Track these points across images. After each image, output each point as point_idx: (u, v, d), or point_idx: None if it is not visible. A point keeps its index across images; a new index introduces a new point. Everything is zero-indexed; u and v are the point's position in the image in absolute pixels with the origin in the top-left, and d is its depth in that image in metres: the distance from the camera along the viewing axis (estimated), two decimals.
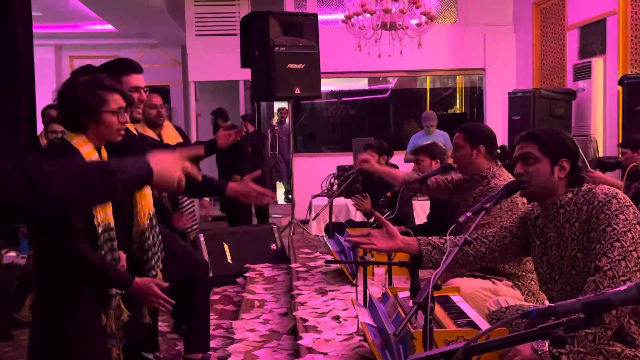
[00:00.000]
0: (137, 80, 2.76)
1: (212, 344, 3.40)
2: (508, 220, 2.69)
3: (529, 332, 1.14)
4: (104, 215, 2.32)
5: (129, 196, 2.48)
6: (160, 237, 2.75)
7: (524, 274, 2.90)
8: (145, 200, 2.61)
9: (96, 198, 1.45)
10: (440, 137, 6.95)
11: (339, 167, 6.61)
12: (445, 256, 1.90)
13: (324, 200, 5.45)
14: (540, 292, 2.92)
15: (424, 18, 6.51)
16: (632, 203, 1.98)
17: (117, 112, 2.29)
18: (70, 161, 1.40)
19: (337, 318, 3.09)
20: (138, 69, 2.78)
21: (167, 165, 1.52)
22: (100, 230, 2.29)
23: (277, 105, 10.28)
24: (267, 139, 9.43)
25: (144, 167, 1.48)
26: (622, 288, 1.17)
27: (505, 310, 2.31)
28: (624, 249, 1.88)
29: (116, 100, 2.29)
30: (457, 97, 10.35)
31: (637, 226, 1.92)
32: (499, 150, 3.10)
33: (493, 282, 2.88)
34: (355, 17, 6.60)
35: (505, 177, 2.99)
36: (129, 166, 1.45)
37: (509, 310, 2.30)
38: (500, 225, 2.40)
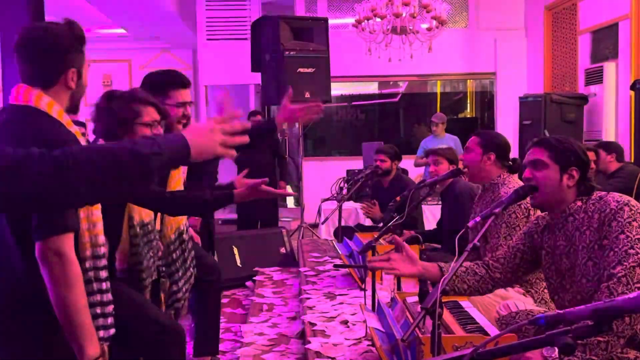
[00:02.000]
0: (185, 95, 2.75)
1: (221, 347, 3.40)
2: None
3: (537, 339, 1.13)
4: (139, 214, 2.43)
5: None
6: (192, 257, 2.72)
7: (537, 281, 2.87)
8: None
9: (129, 185, 1.27)
10: (451, 142, 6.93)
11: (348, 171, 6.61)
12: (453, 261, 1.89)
13: (333, 204, 5.45)
14: (553, 301, 2.90)
15: (434, 22, 6.50)
16: None
17: (150, 125, 2.33)
18: (101, 146, 1.27)
19: (345, 322, 3.09)
20: (187, 84, 2.78)
21: (204, 134, 1.36)
22: (138, 229, 2.40)
23: None
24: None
25: (180, 142, 1.32)
26: (632, 295, 1.15)
27: (515, 315, 2.30)
28: (639, 256, 1.86)
29: (150, 113, 2.35)
30: (468, 101, 10.31)
31: None
32: (510, 162, 3.07)
33: (504, 288, 2.86)
34: (366, 21, 6.60)
35: (513, 185, 2.97)
36: (163, 145, 1.30)
37: (519, 315, 2.28)
38: (507, 245, 2.39)
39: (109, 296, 1.81)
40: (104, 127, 2.33)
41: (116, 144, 1.31)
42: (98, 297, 1.76)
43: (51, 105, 1.66)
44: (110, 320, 1.80)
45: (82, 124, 5.27)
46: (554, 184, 2.10)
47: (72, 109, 1.79)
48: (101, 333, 1.76)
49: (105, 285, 1.78)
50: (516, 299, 2.78)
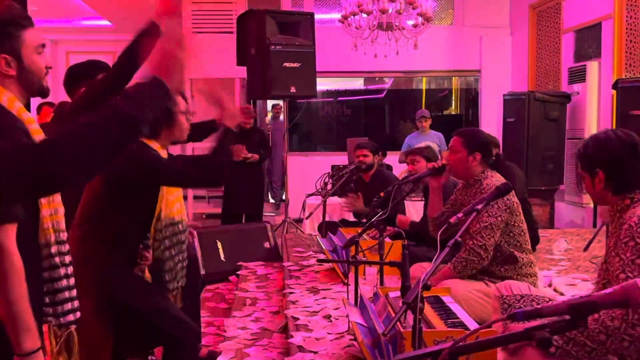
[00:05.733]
0: None
1: (204, 341, 3.40)
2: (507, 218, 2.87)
3: (515, 334, 1.15)
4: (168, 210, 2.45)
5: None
6: (184, 255, 2.67)
7: (518, 277, 2.91)
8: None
9: (123, 146, 1.33)
10: (435, 138, 6.97)
11: (333, 167, 6.62)
12: (435, 256, 1.91)
13: (318, 200, 5.45)
14: None
15: (420, 19, 6.52)
16: None
17: (184, 113, 2.47)
18: (89, 121, 1.33)
19: (328, 317, 3.11)
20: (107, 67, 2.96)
21: (164, 61, 1.40)
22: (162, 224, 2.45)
23: (271, 101, 10.27)
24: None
25: (154, 86, 1.37)
26: (607, 291, 1.18)
27: (520, 299, 2.29)
28: None
29: (182, 102, 2.46)
30: (453, 98, 10.37)
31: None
32: (493, 159, 3.10)
33: (486, 284, 2.89)
34: (352, 16, 6.60)
35: (497, 178, 3.00)
36: (142, 96, 1.34)
37: (524, 299, 2.28)
38: None
39: (73, 280, 1.81)
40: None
41: (103, 113, 1.34)
42: (65, 282, 1.76)
43: (1, 93, 1.65)
44: (76, 303, 1.81)
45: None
46: None
47: (35, 92, 1.76)
48: (70, 317, 1.77)
49: (70, 270, 1.79)
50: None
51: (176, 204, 2.52)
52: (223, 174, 2.48)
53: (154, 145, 2.41)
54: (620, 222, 1.97)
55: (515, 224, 2.92)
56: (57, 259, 1.73)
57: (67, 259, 1.78)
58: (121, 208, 2.34)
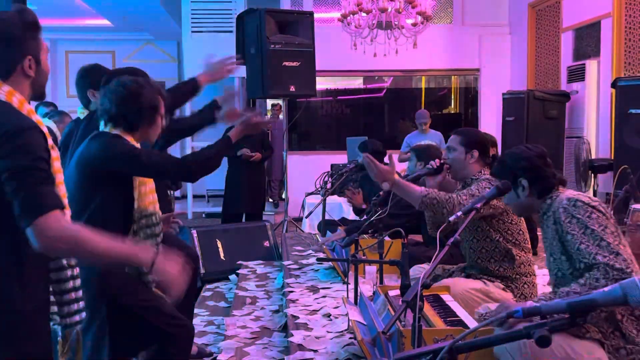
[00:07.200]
0: None
1: (204, 340, 3.41)
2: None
3: (514, 332, 1.16)
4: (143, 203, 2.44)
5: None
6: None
7: (517, 276, 2.91)
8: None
9: None
10: (435, 138, 6.96)
11: (333, 166, 6.62)
12: (435, 255, 1.92)
13: (317, 199, 5.46)
14: (533, 296, 2.94)
15: (419, 18, 6.52)
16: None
17: (163, 117, 2.51)
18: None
19: (328, 316, 3.11)
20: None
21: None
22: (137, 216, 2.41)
23: (270, 101, 10.27)
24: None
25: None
26: (607, 289, 1.18)
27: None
28: None
29: (163, 105, 2.50)
30: (452, 97, 10.37)
31: None
32: (490, 159, 3.10)
33: (485, 283, 2.90)
34: (351, 15, 6.61)
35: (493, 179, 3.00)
36: None
37: None
38: None
39: (79, 281, 1.82)
40: (125, 112, 2.38)
41: None
42: (71, 284, 1.76)
43: (11, 94, 1.65)
44: (82, 304, 1.81)
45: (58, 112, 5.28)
46: None
47: (37, 96, 1.77)
48: (76, 318, 1.78)
49: (76, 272, 1.79)
50: (497, 293, 2.82)
51: (149, 196, 2.47)
52: (199, 174, 2.50)
53: (129, 138, 2.40)
54: (547, 221, 2.23)
55: (513, 222, 2.92)
56: (64, 261, 1.74)
57: (74, 260, 1.78)
58: (99, 201, 2.33)
